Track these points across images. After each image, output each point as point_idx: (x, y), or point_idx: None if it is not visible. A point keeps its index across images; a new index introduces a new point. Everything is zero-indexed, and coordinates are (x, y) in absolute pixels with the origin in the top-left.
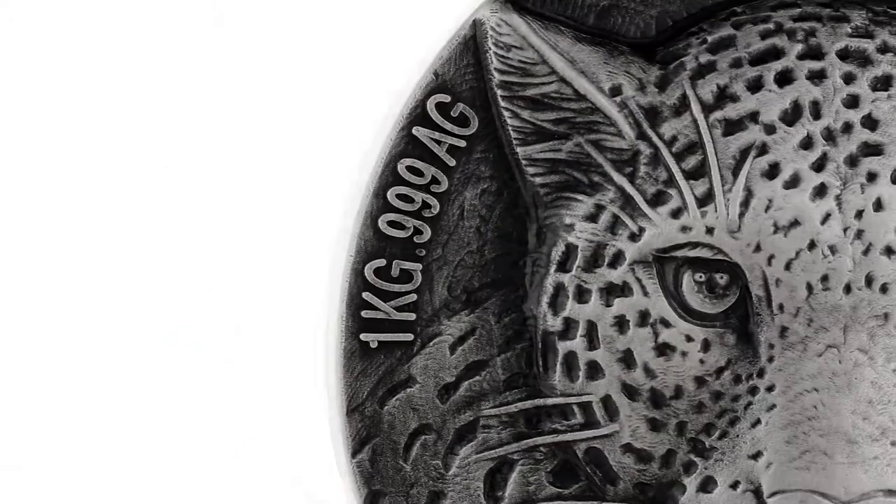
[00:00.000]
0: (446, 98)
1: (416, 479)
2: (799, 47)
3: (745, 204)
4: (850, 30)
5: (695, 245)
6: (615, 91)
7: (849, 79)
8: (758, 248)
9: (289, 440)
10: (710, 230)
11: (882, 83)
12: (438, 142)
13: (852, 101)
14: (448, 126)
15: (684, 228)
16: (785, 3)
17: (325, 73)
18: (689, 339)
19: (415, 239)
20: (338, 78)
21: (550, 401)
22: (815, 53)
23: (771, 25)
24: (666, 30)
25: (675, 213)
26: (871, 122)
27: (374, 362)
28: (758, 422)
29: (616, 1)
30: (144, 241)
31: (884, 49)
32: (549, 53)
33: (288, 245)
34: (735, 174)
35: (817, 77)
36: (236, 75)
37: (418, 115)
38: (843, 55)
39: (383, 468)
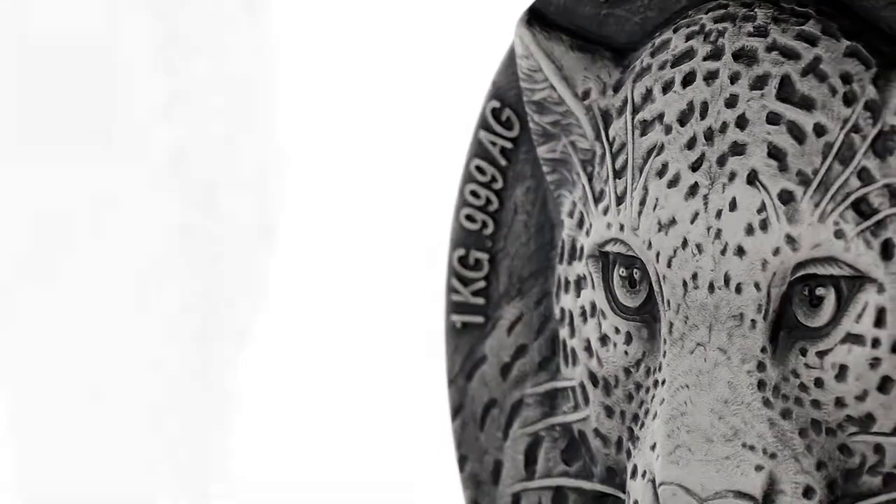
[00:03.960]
0: (497, 104)
1: (487, 448)
2: (707, 48)
3: (643, 202)
4: (751, 29)
5: (615, 241)
6: (585, 95)
7: (734, 78)
8: (649, 245)
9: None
10: (622, 227)
11: (759, 82)
12: (493, 143)
13: (732, 101)
14: (499, 129)
15: (608, 225)
16: (722, 3)
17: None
18: (616, 331)
19: (483, 231)
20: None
21: (558, 384)
22: (716, 54)
23: (696, 27)
24: (647, 35)
25: (606, 211)
26: (742, 122)
27: (462, 341)
28: (655, 414)
29: (613, 10)
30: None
31: (771, 48)
32: (543, 61)
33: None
34: (641, 173)
35: (711, 77)
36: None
37: (483, 120)
38: (737, 55)
39: (468, 435)
